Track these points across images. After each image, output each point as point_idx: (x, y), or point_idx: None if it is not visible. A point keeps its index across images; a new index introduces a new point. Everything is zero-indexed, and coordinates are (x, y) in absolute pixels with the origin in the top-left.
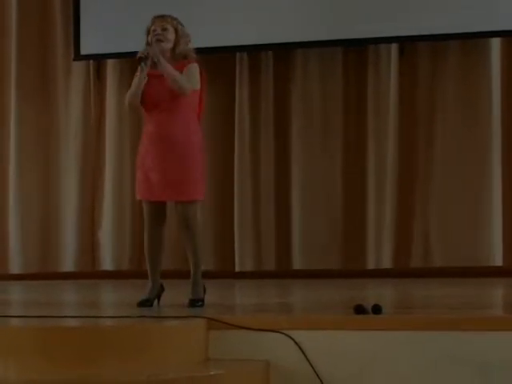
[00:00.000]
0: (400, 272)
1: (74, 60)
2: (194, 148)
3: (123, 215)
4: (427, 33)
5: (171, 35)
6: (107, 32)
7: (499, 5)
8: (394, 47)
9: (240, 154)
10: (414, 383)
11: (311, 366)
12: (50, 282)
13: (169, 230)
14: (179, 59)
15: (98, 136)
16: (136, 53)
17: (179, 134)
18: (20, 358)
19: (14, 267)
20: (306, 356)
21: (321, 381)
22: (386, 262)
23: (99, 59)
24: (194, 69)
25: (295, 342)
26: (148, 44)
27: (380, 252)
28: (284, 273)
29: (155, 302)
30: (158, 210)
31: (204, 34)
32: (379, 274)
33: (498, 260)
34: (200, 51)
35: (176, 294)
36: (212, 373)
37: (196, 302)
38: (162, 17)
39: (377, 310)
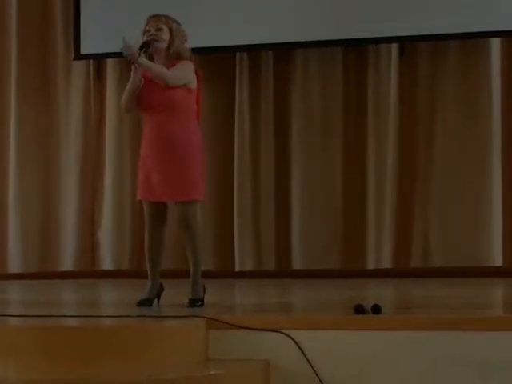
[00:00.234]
0: (400, 272)
1: (74, 59)
2: (193, 148)
3: (123, 215)
4: (427, 33)
5: (165, 35)
6: (107, 32)
7: (499, 5)
8: (394, 47)
9: (240, 154)
10: (414, 383)
11: (311, 365)
12: (50, 281)
13: (169, 230)
14: (173, 59)
15: (98, 136)
16: None
17: (178, 135)
18: (20, 357)
19: (14, 266)
20: (305, 356)
21: (320, 381)
22: (386, 262)
23: (99, 59)
24: (185, 66)
25: (295, 342)
26: (143, 42)
27: (380, 252)
28: (284, 273)
29: (155, 301)
30: (159, 210)
31: (204, 34)
32: (379, 274)
33: (497, 260)
34: (200, 51)
35: (176, 294)
36: (212, 372)
37: (196, 302)
38: (156, 16)
39: (376, 310)
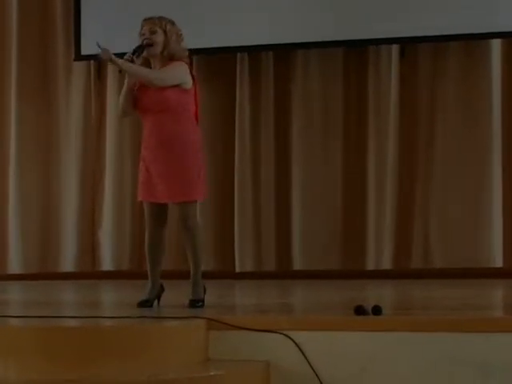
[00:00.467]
0: (400, 273)
1: (75, 60)
2: (191, 148)
3: (123, 215)
4: (428, 34)
5: (160, 37)
6: (108, 32)
7: (499, 6)
8: (395, 48)
9: (240, 154)
10: None
11: (311, 366)
12: (50, 282)
13: (169, 230)
14: (167, 60)
15: (98, 136)
16: None
17: (175, 135)
18: (20, 358)
19: (14, 267)
20: (305, 357)
21: (320, 382)
22: (386, 263)
23: (99, 58)
24: (175, 66)
25: (295, 343)
26: (137, 46)
27: (380, 253)
28: (284, 273)
29: (155, 302)
30: (159, 210)
31: (204, 35)
32: (379, 274)
33: (498, 261)
34: (201, 52)
35: (176, 295)
36: (212, 373)
37: (196, 303)
38: (150, 19)
39: (377, 310)
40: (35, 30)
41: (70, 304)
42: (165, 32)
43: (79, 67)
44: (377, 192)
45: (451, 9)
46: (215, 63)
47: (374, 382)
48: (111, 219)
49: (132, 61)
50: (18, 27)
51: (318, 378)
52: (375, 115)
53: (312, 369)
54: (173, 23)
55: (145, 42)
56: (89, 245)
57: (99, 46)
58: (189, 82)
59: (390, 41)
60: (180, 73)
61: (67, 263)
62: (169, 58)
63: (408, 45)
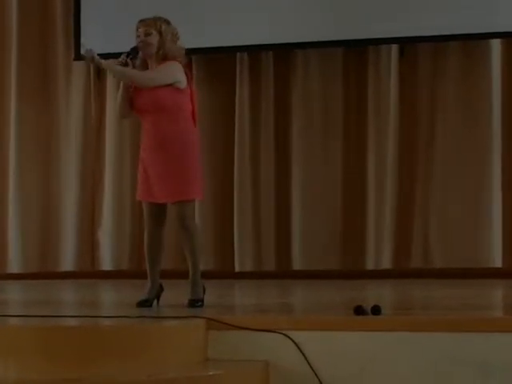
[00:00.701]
0: (400, 273)
1: (75, 60)
2: (188, 147)
3: (123, 215)
4: (427, 34)
5: (154, 39)
6: (108, 31)
7: (499, 6)
8: (395, 48)
9: (240, 154)
10: None
11: (310, 366)
12: (50, 281)
13: (169, 230)
14: (161, 60)
15: (98, 136)
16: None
17: (171, 134)
18: (20, 357)
19: (14, 267)
20: (305, 357)
21: (320, 381)
22: (386, 263)
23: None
24: (166, 66)
25: (295, 343)
26: (131, 48)
27: (380, 253)
28: (284, 273)
29: (154, 302)
30: (158, 210)
31: (204, 34)
32: (379, 274)
33: (497, 261)
34: (200, 51)
35: (175, 294)
36: (211, 373)
37: (195, 302)
38: (144, 21)
39: (376, 310)
40: (35, 30)
41: (70, 303)
42: (160, 33)
43: (79, 67)
44: (377, 192)
45: (451, 9)
46: (215, 63)
47: (374, 382)
48: (111, 219)
49: (126, 63)
50: (18, 27)
51: (318, 377)
52: (375, 115)
53: (311, 369)
54: (168, 23)
55: (139, 45)
56: (88, 244)
57: (84, 47)
58: (183, 82)
59: (389, 41)
60: (171, 72)
61: (67, 263)
62: (163, 57)
63: (408, 45)
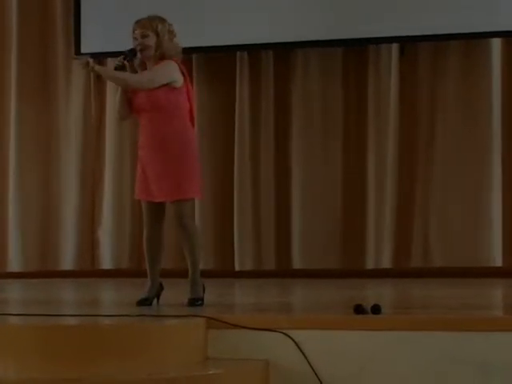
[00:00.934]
0: (399, 272)
1: (75, 58)
2: (184, 146)
3: (123, 214)
4: (428, 33)
5: (152, 40)
6: (108, 30)
7: (500, 5)
8: (395, 47)
9: (240, 154)
10: (413, 383)
11: (310, 365)
12: (50, 280)
13: (168, 229)
14: (158, 59)
15: (98, 135)
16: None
17: (168, 133)
18: (19, 356)
19: (14, 265)
20: (305, 356)
21: (320, 380)
22: (386, 262)
23: (100, 58)
24: (162, 66)
25: (294, 342)
26: (128, 50)
27: (380, 252)
28: (284, 272)
29: (154, 300)
30: (157, 209)
31: (204, 34)
32: (379, 273)
33: (497, 261)
34: (200, 50)
35: (175, 293)
36: (211, 372)
37: (195, 301)
38: (140, 22)
39: (376, 310)
40: (35, 30)
41: (70, 302)
42: (157, 33)
43: (79, 66)
44: (376, 191)
45: (451, 8)
46: (215, 62)
47: (374, 381)
48: (111, 218)
49: (123, 66)
50: (18, 27)
51: (318, 376)
52: (375, 115)
53: (311, 368)
54: (163, 21)
55: (137, 48)
56: (88, 243)
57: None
58: (178, 80)
59: (389, 40)
60: (167, 72)
61: (67, 261)
62: (161, 56)
63: (408, 44)
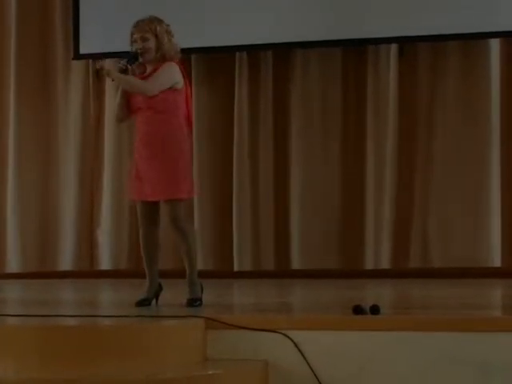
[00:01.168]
0: (398, 272)
1: (73, 59)
2: (178, 146)
3: (122, 214)
4: (427, 33)
5: (152, 43)
6: (107, 31)
7: (499, 5)
8: (394, 47)
9: (239, 154)
10: None
11: (309, 366)
12: (49, 280)
13: (166, 229)
14: (160, 60)
15: (97, 135)
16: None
17: (163, 133)
18: (19, 356)
19: (13, 266)
20: (304, 356)
21: (319, 381)
22: (385, 263)
23: (99, 58)
24: (166, 70)
25: (293, 342)
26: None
27: (379, 252)
28: (283, 273)
29: (153, 301)
30: (151, 209)
31: (204, 34)
32: (378, 274)
33: (496, 261)
34: (199, 51)
35: (174, 294)
36: (210, 372)
37: (194, 302)
38: (139, 26)
39: (375, 310)
40: (34, 30)
41: (69, 303)
42: (156, 35)
43: (78, 67)
44: (375, 191)
45: (450, 8)
46: (214, 62)
47: (373, 382)
48: (110, 218)
49: (126, 69)
50: (17, 27)
51: (317, 377)
52: (374, 115)
53: (310, 368)
54: (161, 22)
55: (138, 52)
56: (87, 244)
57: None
58: (180, 82)
59: (389, 40)
60: (171, 75)
61: (65, 262)
62: (161, 58)
63: (407, 44)
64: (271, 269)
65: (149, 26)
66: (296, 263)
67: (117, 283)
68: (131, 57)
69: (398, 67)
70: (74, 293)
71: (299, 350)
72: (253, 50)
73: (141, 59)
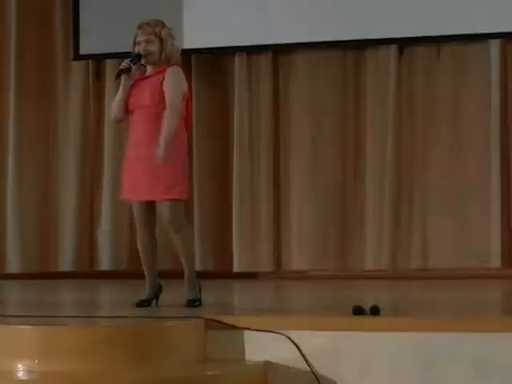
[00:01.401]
0: (398, 273)
1: (73, 60)
2: (176, 147)
3: (122, 215)
4: (426, 34)
5: (156, 46)
6: (106, 32)
7: (498, 6)
8: (393, 48)
9: (239, 154)
10: None
11: (309, 366)
12: (49, 281)
13: (165, 229)
14: (164, 63)
15: (97, 135)
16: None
17: (158, 134)
18: (18, 357)
19: (13, 266)
20: (304, 357)
21: (319, 382)
22: (385, 264)
23: (98, 59)
24: (176, 80)
25: (293, 343)
26: (135, 54)
27: (378, 253)
28: (282, 273)
29: (153, 302)
30: (146, 210)
31: (204, 35)
32: (378, 275)
33: (496, 262)
34: (200, 51)
35: (174, 294)
36: (210, 373)
37: (193, 302)
38: (144, 28)
39: (375, 311)
40: (34, 30)
41: (68, 304)
42: (160, 38)
43: (78, 67)
44: (375, 192)
45: (449, 9)
46: (214, 63)
47: (373, 383)
48: (110, 219)
49: (130, 69)
50: (17, 27)
51: (317, 378)
52: (374, 115)
53: (310, 369)
54: (164, 25)
55: (142, 54)
56: (87, 244)
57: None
58: (185, 86)
59: (388, 41)
60: (182, 84)
61: (65, 263)
62: (166, 61)
63: (406, 45)
64: (271, 269)
65: (153, 29)
66: (296, 264)
67: (117, 284)
68: (134, 56)
69: (398, 68)
70: (73, 293)
71: (299, 351)
72: (253, 50)
73: (144, 61)
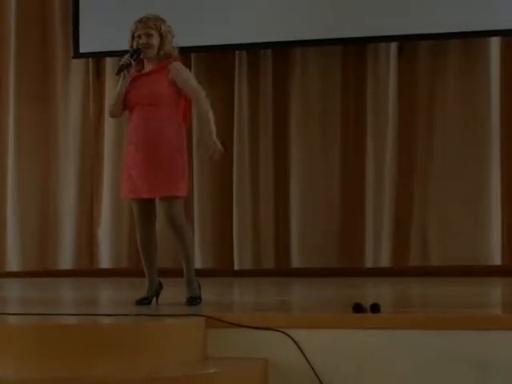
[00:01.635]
0: (398, 271)
1: (73, 58)
2: (177, 144)
3: (122, 213)
4: (426, 31)
5: (156, 40)
6: (106, 30)
7: (499, 4)
8: (394, 46)
9: (239, 153)
10: (412, 382)
11: (309, 364)
12: (49, 279)
13: (165, 228)
14: (164, 59)
15: (96, 134)
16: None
17: (161, 129)
18: (18, 356)
19: (13, 265)
20: (304, 354)
21: (319, 379)
22: (385, 261)
23: (98, 57)
24: (185, 69)
25: (294, 341)
26: (132, 49)
27: (378, 251)
28: (283, 271)
29: (154, 299)
30: (147, 207)
31: (203, 33)
32: (378, 272)
33: (496, 259)
34: (199, 49)
35: (175, 292)
36: (210, 371)
37: (193, 300)
38: (144, 22)
39: (375, 308)
40: (34, 30)
41: (69, 302)
42: (160, 33)
43: (78, 66)
44: (375, 190)
45: (450, 6)
46: (214, 61)
47: (372, 380)
48: (109, 217)
49: (130, 64)
50: (17, 27)
51: (317, 375)
52: (374, 114)
53: (310, 366)
54: (164, 21)
55: (141, 47)
56: (87, 242)
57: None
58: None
59: (388, 39)
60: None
61: (65, 261)
62: (166, 57)
63: (407, 42)
64: (271, 267)
65: (154, 24)
66: (296, 262)
67: (117, 282)
68: (135, 52)
69: (398, 66)
70: (74, 291)
71: (299, 349)
72: (252, 48)
73: (142, 55)
